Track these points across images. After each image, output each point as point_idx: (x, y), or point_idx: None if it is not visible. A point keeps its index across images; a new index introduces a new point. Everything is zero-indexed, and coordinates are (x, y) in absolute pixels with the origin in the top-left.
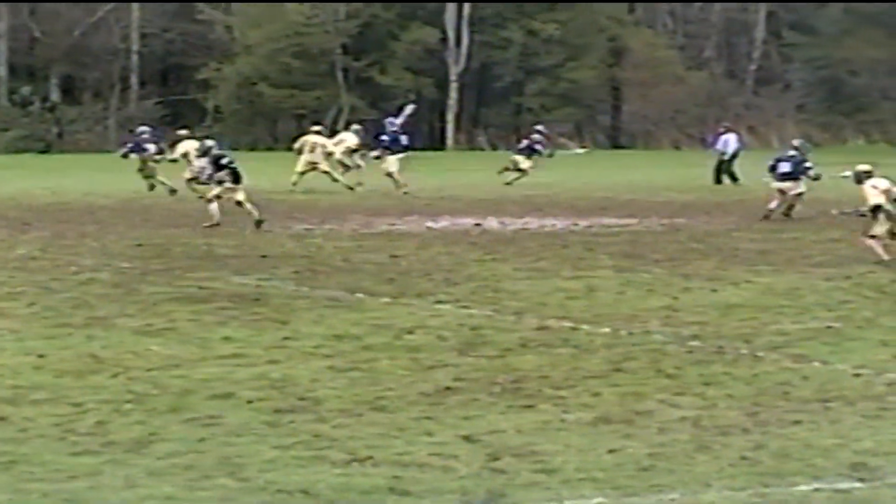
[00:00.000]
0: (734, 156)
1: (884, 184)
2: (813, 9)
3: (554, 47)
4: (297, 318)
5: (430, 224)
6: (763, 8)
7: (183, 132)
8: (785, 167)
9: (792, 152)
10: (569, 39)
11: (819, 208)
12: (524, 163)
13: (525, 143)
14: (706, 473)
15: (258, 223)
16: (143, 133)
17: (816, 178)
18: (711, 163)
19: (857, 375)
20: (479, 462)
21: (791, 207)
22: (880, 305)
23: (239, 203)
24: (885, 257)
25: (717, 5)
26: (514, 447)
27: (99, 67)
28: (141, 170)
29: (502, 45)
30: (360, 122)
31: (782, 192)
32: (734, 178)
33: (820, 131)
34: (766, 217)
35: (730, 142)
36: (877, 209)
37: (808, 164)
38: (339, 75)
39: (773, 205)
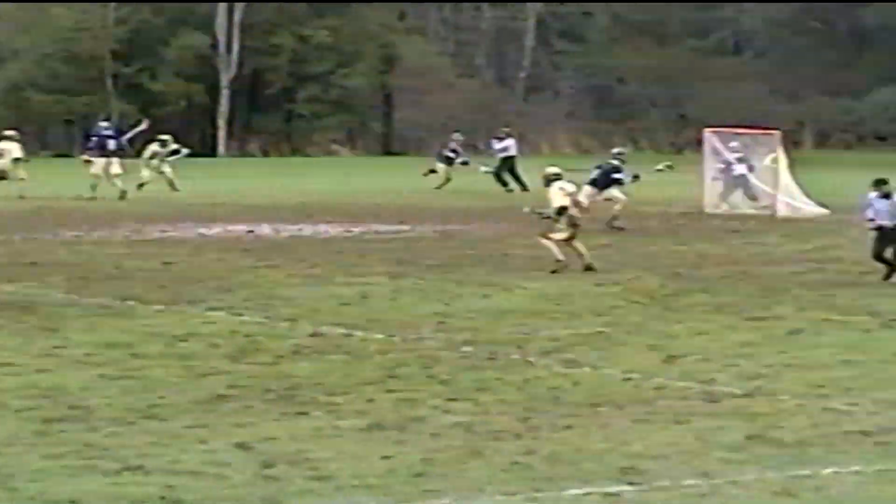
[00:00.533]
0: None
1: (570, 187)
2: (581, 17)
3: (325, 54)
4: (68, 326)
5: (202, 231)
6: (533, 16)
7: None
8: (594, 174)
9: (613, 161)
10: (340, 46)
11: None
12: (443, 169)
13: (444, 150)
14: (479, 478)
15: None
16: None
17: (636, 178)
18: (479, 169)
19: (627, 380)
20: (253, 469)
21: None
22: (649, 311)
23: None
24: (561, 257)
25: (488, 13)
26: (288, 454)
27: None
28: None
29: (273, 51)
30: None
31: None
32: (521, 184)
33: (589, 138)
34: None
35: (510, 147)
36: (562, 211)
37: (617, 175)
38: (109, 81)
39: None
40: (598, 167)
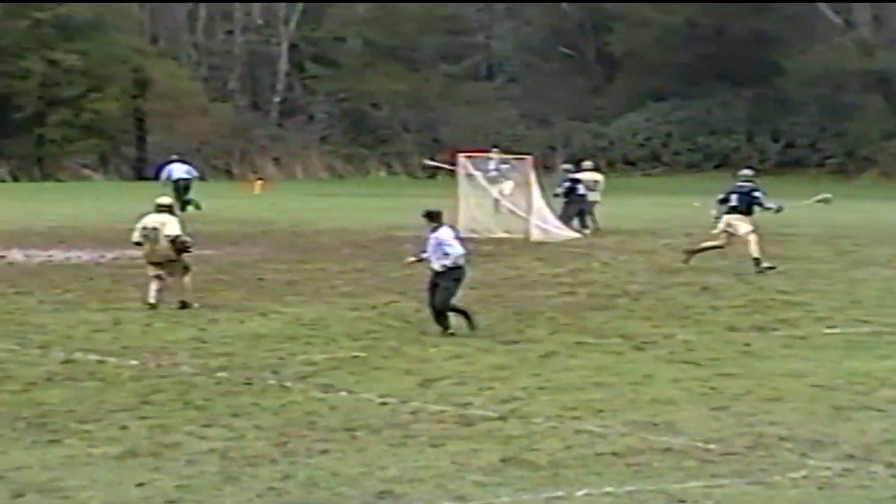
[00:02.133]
0: (187, 186)
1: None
2: (334, 42)
3: (76, 78)
4: None
5: None
6: (286, 40)
7: None
8: (732, 200)
9: (742, 183)
10: (91, 70)
11: (342, 237)
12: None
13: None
14: None
15: None
16: None
17: (779, 210)
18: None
19: (383, 404)
20: (3, 499)
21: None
22: (404, 335)
23: None
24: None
25: (240, 37)
26: (40, 483)
27: None
28: None
29: (22, 74)
30: None
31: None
32: (192, 206)
33: (344, 163)
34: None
35: (173, 171)
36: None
37: (757, 194)
38: None
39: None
40: (732, 192)
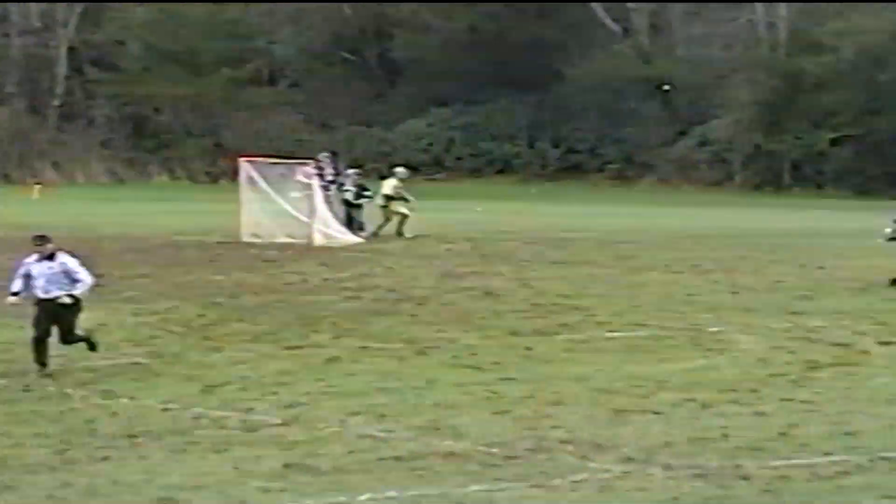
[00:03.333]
0: None
1: None
2: (114, 45)
3: None
4: None
5: None
6: (64, 43)
7: None
8: None
9: None
10: None
11: (124, 242)
12: None
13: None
14: None
15: None
16: None
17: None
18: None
19: (165, 410)
20: None
21: None
22: (187, 340)
23: None
24: None
25: (17, 40)
26: None
27: None
28: None
29: None
30: None
31: None
32: None
33: (125, 167)
34: None
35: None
36: None
37: None
38: None
39: None
40: None
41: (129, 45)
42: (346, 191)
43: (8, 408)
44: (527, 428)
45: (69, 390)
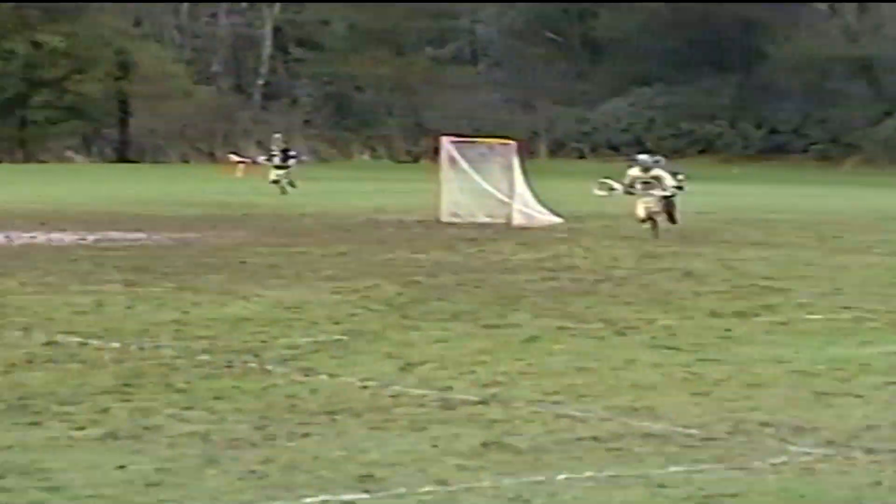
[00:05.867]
0: None
1: None
2: (318, 25)
3: (59, 59)
4: None
5: None
6: (270, 23)
7: None
8: None
9: None
10: (75, 52)
11: (325, 220)
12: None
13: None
14: (215, 488)
15: None
16: None
17: None
18: (220, 177)
19: (364, 388)
20: None
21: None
22: (386, 319)
23: None
24: None
25: (224, 20)
26: (20, 465)
27: None
28: None
29: (5, 56)
30: None
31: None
32: None
33: (328, 146)
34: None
35: None
36: None
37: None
38: None
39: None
40: None
41: (333, 25)
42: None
43: (211, 383)
44: (726, 410)
45: (270, 367)
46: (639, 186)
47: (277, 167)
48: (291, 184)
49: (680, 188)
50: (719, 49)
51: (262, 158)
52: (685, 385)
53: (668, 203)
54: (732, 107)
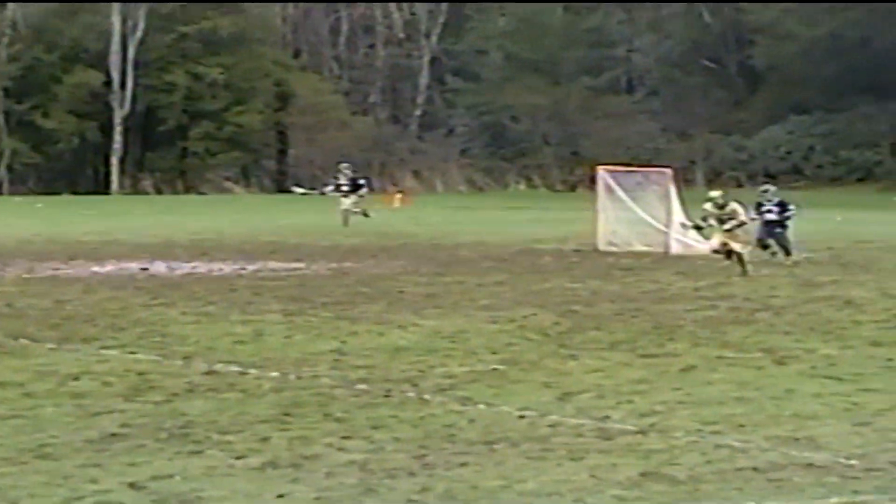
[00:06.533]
0: None
1: None
2: (475, 55)
3: (219, 91)
4: None
5: (95, 269)
6: (427, 54)
7: None
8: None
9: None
10: (234, 83)
11: (482, 250)
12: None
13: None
14: None
15: None
16: None
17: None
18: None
19: (522, 417)
20: None
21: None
22: (543, 348)
23: None
24: None
25: (382, 51)
26: (181, 493)
27: None
28: None
29: (167, 88)
30: None
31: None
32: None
33: (483, 176)
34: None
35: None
36: None
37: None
38: (1, 118)
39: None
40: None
41: (490, 55)
42: (767, 211)
43: (369, 412)
44: (888, 440)
45: (428, 396)
46: (712, 222)
47: (345, 196)
48: (365, 213)
49: (755, 220)
50: (878, 75)
51: (329, 189)
52: (846, 415)
53: (776, 234)
54: (892, 133)
